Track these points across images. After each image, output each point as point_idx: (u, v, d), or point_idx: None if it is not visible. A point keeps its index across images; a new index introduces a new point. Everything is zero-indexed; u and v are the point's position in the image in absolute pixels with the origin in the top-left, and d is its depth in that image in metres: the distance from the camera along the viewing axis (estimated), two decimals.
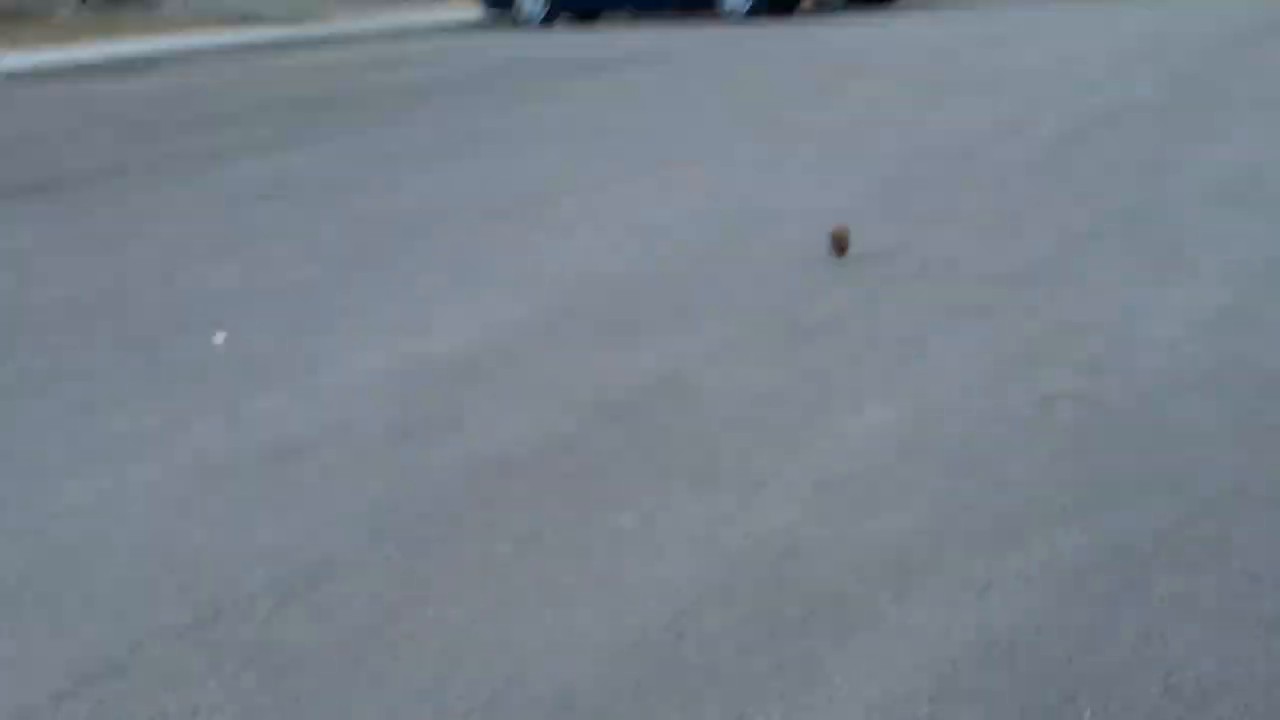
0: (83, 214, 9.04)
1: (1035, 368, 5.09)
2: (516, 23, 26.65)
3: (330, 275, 7.06)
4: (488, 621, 3.54)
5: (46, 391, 5.35)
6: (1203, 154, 9.16)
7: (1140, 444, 4.36)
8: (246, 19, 27.57)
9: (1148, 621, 3.34)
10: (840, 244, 6.76)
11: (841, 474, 4.29)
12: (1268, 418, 4.51)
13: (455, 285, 6.76)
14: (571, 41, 22.77)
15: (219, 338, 5.94)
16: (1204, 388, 4.79)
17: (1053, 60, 15.54)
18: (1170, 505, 3.91)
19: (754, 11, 24.71)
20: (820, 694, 3.15)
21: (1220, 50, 15.61)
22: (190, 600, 3.67)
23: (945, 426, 4.61)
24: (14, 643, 3.50)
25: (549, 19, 26.48)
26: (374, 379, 5.40)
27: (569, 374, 5.35)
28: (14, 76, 19.95)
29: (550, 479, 4.38)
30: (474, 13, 28.03)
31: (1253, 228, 7.00)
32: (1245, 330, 5.37)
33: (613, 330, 5.89)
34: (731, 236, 7.56)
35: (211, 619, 3.58)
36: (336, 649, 3.43)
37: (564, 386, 5.21)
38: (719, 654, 3.34)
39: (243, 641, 3.47)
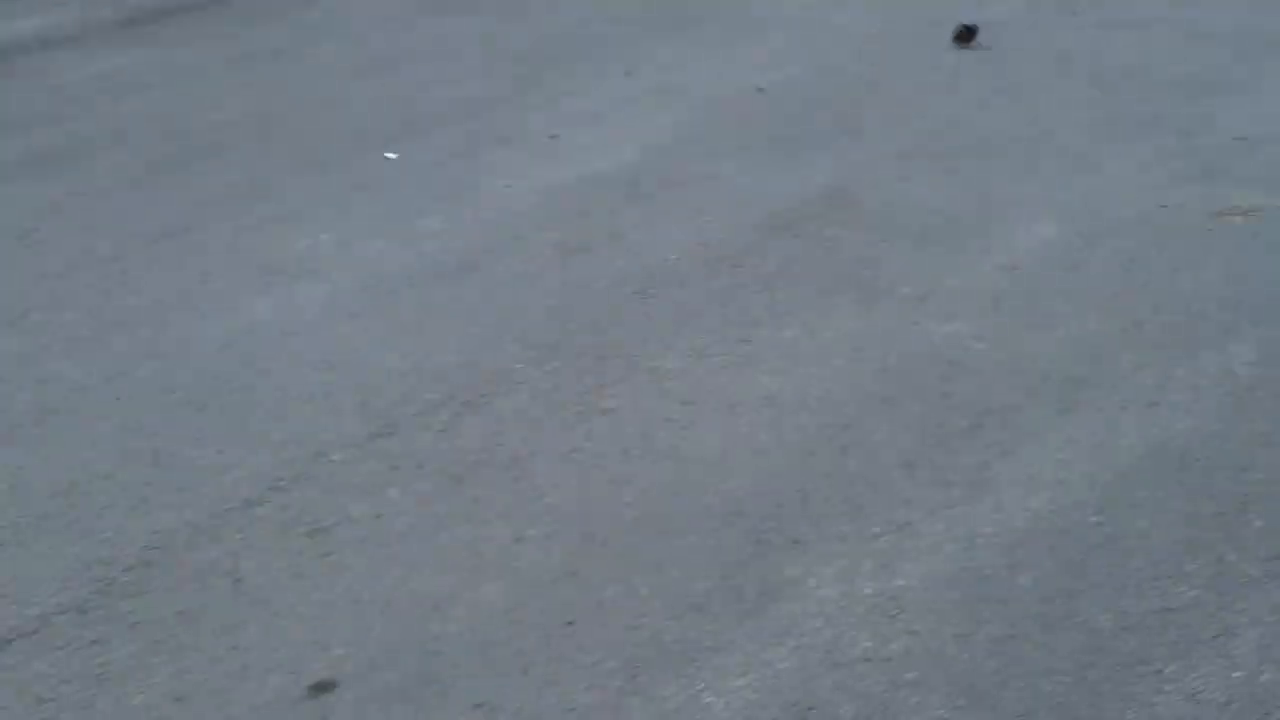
0: (255, 29, 9.16)
1: (1207, 181, 4.98)
2: None
3: (501, 91, 7.09)
4: (658, 430, 3.63)
5: (228, 211, 5.50)
6: None
7: None
8: None
9: None
10: (966, 35, 6.96)
11: (1007, 288, 4.28)
12: None
13: (625, 101, 6.75)
14: None
15: (391, 155, 6.04)
16: None
17: None
18: None
19: None
20: (985, 504, 3.19)
21: None
22: (370, 412, 3.81)
23: (1113, 240, 4.56)
24: (208, 451, 3.68)
25: None
26: (540, 197, 5.46)
27: (735, 189, 5.37)
28: None
29: (716, 293, 4.43)
30: None
31: None
32: None
33: (779, 144, 5.87)
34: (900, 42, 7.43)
35: (390, 430, 3.72)
36: (510, 459, 3.55)
37: (730, 201, 5.23)
38: (883, 465, 3.39)
39: (420, 450, 3.61)
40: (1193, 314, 3.96)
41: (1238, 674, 2.59)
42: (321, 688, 2.74)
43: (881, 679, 2.68)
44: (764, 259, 4.66)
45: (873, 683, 2.67)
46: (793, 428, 3.60)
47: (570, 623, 2.92)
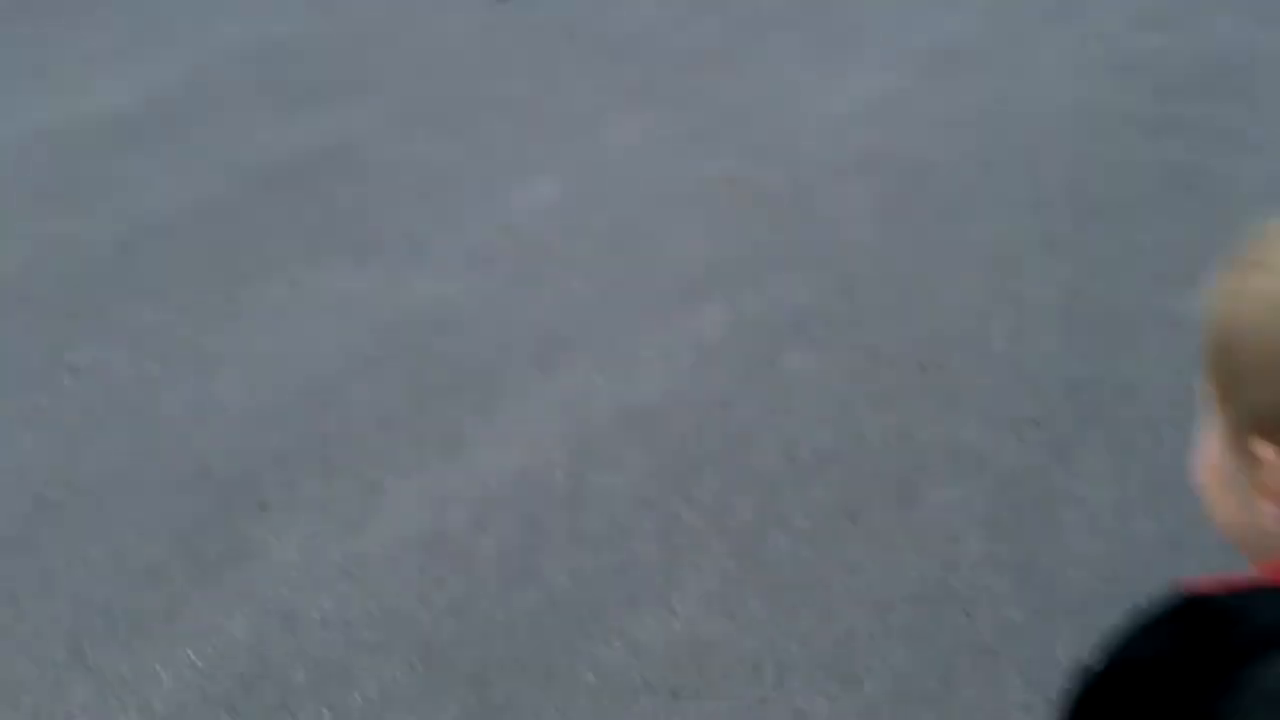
0: None
1: (700, 150, 5.15)
2: None
3: None
4: (128, 389, 3.48)
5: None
6: None
7: (792, 225, 4.49)
8: None
9: (775, 395, 3.49)
10: None
11: (501, 247, 4.31)
12: (910, 201, 4.68)
13: (131, 42, 6.41)
14: None
15: None
16: (855, 173, 4.92)
17: None
18: (809, 284, 4.05)
19: None
20: (460, 463, 3.21)
21: None
22: None
23: (608, 203, 4.66)
24: None
25: None
26: (19, 141, 5.14)
27: (232, 140, 5.19)
28: None
29: (204, 247, 4.28)
30: None
31: (925, 16, 7.13)
32: (898, 118, 5.52)
33: (280, 97, 5.72)
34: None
35: None
36: None
37: (225, 153, 5.06)
38: (360, 426, 3.36)
39: None
40: (674, 277, 4.09)
41: (678, 625, 2.69)
42: None
43: (339, 643, 2.65)
44: (256, 213, 4.54)
45: (329, 646, 2.64)
46: (272, 386, 3.52)
47: (13, 595, 2.76)
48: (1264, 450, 0.79)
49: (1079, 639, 2.49)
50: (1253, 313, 0.77)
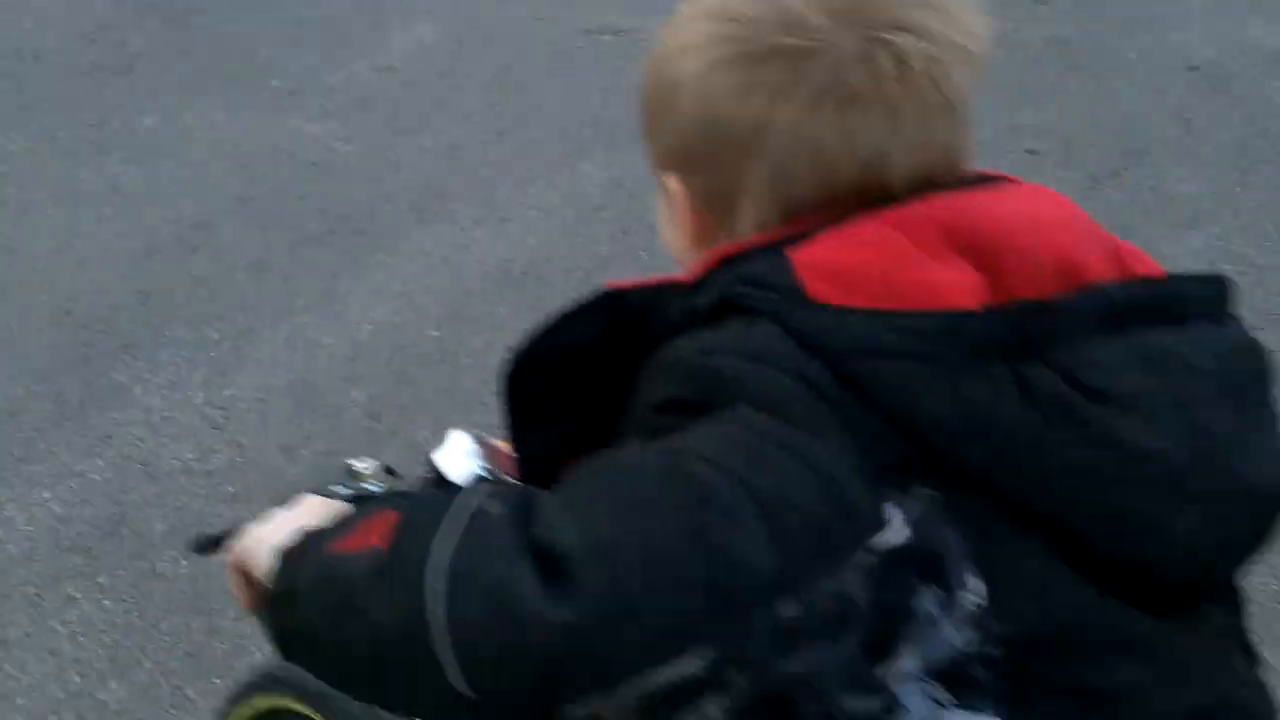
0: None
1: (585, 1, 5.05)
2: None
3: None
4: None
5: None
6: None
7: None
8: None
9: (652, 251, 3.47)
10: None
11: (381, 90, 4.22)
12: None
13: None
14: None
15: None
16: None
17: None
18: None
19: None
20: (329, 311, 3.17)
21: None
22: None
23: (489, 49, 4.56)
24: None
25: None
26: None
27: None
28: None
29: (71, 74, 4.14)
30: None
31: None
32: None
33: None
34: None
35: None
36: None
37: None
38: (232, 269, 3.30)
39: None
40: (555, 130, 4.03)
41: None
42: None
43: (200, 492, 2.63)
44: (128, 39, 4.39)
45: (190, 495, 2.62)
46: (140, 224, 3.44)
47: None
48: (671, 182, 0.94)
49: None
50: (651, 60, 0.94)
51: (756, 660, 0.77)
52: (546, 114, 4.14)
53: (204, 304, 3.16)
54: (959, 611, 0.81)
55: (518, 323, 3.15)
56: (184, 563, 2.44)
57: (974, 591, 0.81)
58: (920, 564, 0.81)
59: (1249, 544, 0.90)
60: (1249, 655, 0.95)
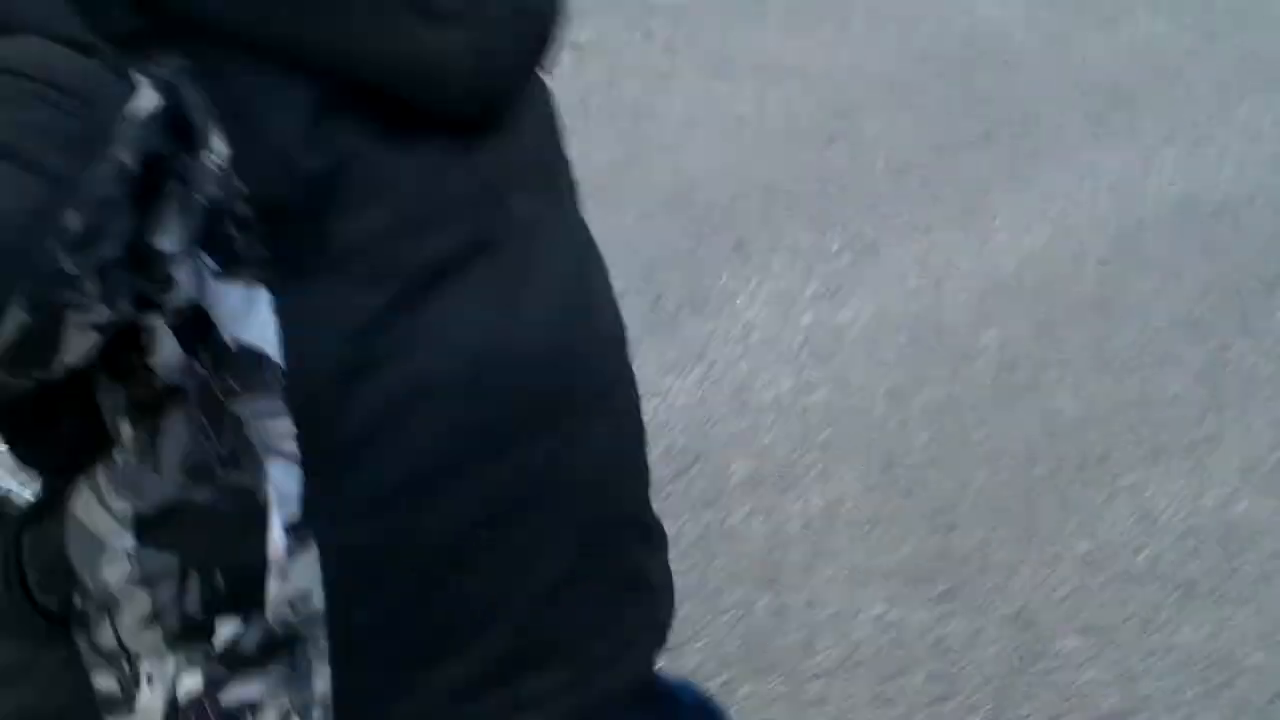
0: None
1: None
2: None
3: None
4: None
5: None
6: None
7: None
8: None
9: None
10: None
11: None
12: None
13: None
14: None
15: None
16: None
17: None
18: None
19: None
20: (970, 230, 2.74)
21: None
22: None
23: None
24: None
25: None
26: None
27: None
28: None
29: None
30: None
31: None
32: None
33: None
34: None
35: None
36: None
37: None
38: (869, 168, 2.93)
39: None
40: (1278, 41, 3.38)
41: None
42: None
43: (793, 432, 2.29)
44: None
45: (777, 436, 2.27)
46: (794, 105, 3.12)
47: None
48: None
49: None
50: None
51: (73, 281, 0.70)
52: (1272, 18, 3.47)
53: (831, 205, 2.80)
54: (206, 173, 0.76)
55: (1194, 270, 2.61)
56: None
57: (217, 152, 0.75)
58: (172, 128, 0.74)
59: (518, 63, 0.86)
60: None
